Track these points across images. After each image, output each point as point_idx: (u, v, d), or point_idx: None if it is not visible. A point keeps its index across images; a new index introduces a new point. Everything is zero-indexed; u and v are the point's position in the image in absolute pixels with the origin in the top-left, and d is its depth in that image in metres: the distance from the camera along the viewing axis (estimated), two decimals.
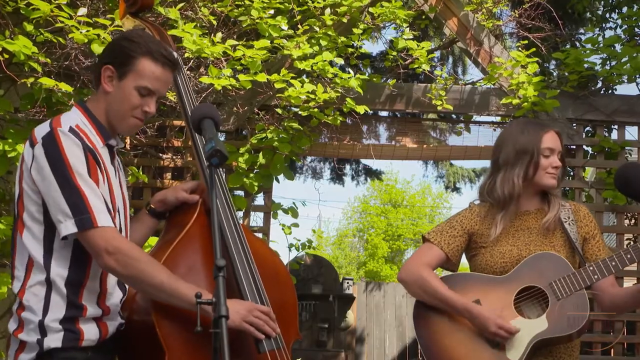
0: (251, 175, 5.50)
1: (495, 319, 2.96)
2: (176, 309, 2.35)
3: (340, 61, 5.52)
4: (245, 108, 5.55)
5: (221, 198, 2.63)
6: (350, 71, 5.68)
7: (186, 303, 2.31)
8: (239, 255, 2.58)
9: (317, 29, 5.43)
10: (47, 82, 4.41)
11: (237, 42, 5.12)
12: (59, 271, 2.40)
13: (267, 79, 5.15)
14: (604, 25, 7.34)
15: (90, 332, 2.41)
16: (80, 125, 2.48)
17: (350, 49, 5.58)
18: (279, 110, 5.47)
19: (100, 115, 2.54)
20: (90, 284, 2.44)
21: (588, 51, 5.79)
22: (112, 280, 2.50)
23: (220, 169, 2.65)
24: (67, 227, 2.35)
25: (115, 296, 2.52)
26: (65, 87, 4.40)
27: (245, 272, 2.57)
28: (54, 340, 2.36)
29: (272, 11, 5.25)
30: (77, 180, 2.36)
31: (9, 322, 2.45)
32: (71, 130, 2.42)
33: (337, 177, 10.44)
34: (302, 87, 5.23)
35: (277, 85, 5.22)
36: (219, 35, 5.12)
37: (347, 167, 10.36)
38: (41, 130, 2.45)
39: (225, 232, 2.58)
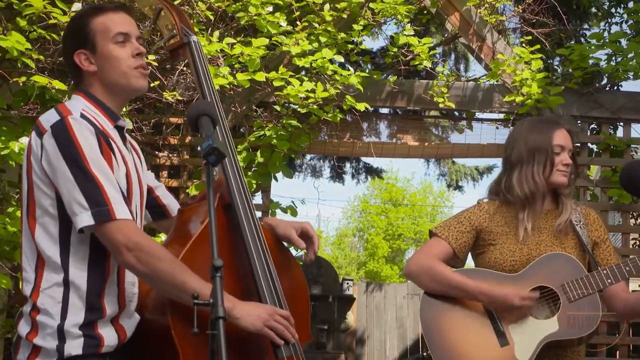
0: (249, 173, 5.43)
1: (515, 292, 2.91)
2: (191, 310, 2.20)
3: (340, 59, 5.44)
4: (244, 107, 5.47)
5: (240, 194, 2.53)
6: (350, 68, 5.61)
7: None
8: (258, 256, 2.49)
9: (316, 25, 5.35)
10: (40, 80, 4.33)
11: (234, 40, 5.04)
12: (78, 271, 2.28)
13: (266, 77, 5.07)
14: (609, 20, 7.28)
15: (109, 338, 2.31)
16: (87, 109, 2.37)
17: (350, 46, 5.51)
18: (277, 108, 5.39)
19: (102, 96, 2.42)
20: (110, 280, 2.33)
21: (593, 47, 5.72)
22: (130, 273, 2.39)
23: (238, 164, 2.58)
24: (83, 219, 2.22)
25: (134, 289, 2.41)
26: (58, 84, 4.32)
27: (264, 274, 2.48)
28: (74, 347, 2.25)
29: (270, 8, 5.18)
30: (92, 169, 2.24)
31: (19, 325, 2.32)
32: (82, 116, 2.31)
33: (337, 175, 10.38)
34: (301, 85, 5.16)
35: (276, 84, 5.14)
36: (216, 34, 5.04)
37: (347, 165, 10.30)
38: (49, 118, 2.32)
39: (244, 230, 2.49)
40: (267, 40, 5.06)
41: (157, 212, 2.69)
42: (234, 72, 5.10)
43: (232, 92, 5.25)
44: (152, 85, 4.95)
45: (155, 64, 4.86)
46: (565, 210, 3.06)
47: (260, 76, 5.01)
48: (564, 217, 3.05)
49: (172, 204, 2.71)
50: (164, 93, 5.04)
